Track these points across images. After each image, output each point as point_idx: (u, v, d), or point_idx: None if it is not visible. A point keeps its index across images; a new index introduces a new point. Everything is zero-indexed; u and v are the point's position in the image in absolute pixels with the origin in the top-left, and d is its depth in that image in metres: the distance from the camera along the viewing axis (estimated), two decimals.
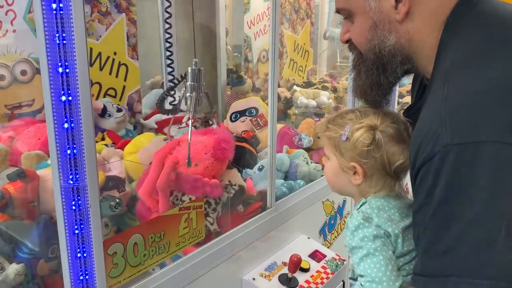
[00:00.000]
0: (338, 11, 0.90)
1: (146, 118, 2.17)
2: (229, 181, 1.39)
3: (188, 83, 1.49)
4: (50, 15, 0.73)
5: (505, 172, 0.63)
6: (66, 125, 0.78)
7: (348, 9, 0.87)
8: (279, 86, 2.95)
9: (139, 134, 2.02)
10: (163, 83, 2.48)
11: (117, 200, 0.87)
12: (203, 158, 1.32)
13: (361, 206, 0.92)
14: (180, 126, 2.13)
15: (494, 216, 0.64)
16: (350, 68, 0.98)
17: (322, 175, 1.70)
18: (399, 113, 0.96)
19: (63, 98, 0.77)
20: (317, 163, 1.73)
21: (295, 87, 2.59)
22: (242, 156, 1.63)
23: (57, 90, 0.76)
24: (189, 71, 1.50)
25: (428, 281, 0.71)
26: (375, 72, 0.87)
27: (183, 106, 1.56)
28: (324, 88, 2.82)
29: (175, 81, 1.56)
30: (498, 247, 0.63)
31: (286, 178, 1.62)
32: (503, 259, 0.63)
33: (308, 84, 3.00)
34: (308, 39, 3.28)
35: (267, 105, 2.14)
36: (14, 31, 1.62)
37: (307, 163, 1.64)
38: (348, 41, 0.92)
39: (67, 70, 0.76)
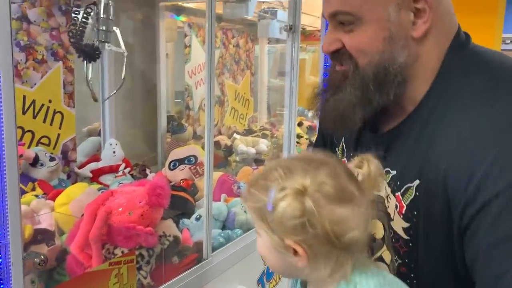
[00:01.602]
0: (334, 14, 0.78)
1: (81, 167, 2.11)
2: (164, 232, 1.37)
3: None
4: None
5: None
6: None
7: (355, 14, 0.75)
8: (220, 134, 2.99)
9: (73, 183, 1.95)
10: (100, 130, 2.44)
11: (42, 257, 0.84)
12: (137, 206, 1.30)
13: None
14: (116, 174, 2.09)
15: None
16: (325, 86, 0.86)
17: None
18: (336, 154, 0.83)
19: None
20: None
21: (235, 134, 2.64)
22: (180, 205, 1.62)
23: None
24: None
25: None
26: (370, 88, 0.77)
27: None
28: (264, 136, 2.90)
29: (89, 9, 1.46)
30: None
31: (223, 227, 1.62)
32: None
33: (249, 132, 3.07)
34: (249, 88, 3.38)
35: None
36: None
37: (245, 211, 1.65)
38: (335, 52, 0.81)
39: None
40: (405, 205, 0.77)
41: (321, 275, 0.69)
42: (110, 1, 1.44)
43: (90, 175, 2.05)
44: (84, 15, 1.44)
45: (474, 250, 0.68)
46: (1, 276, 0.79)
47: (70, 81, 2.02)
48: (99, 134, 2.43)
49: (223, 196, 1.68)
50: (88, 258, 1.25)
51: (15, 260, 0.79)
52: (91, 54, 1.49)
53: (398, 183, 0.79)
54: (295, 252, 0.67)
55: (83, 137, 2.32)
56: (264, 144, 2.55)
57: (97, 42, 1.47)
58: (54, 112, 1.96)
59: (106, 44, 1.48)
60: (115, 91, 1.70)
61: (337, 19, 0.78)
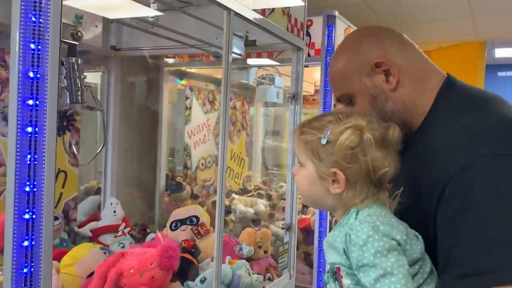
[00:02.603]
0: (338, 99, 1.03)
1: (80, 226, 2.10)
2: None
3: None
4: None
5: None
6: (26, 243, 0.78)
7: (348, 94, 0.99)
8: (216, 194, 3.02)
9: (73, 242, 1.94)
10: (99, 188, 2.45)
11: None
12: (148, 268, 1.31)
13: (356, 215, 0.83)
14: (116, 234, 2.09)
15: None
16: None
17: (264, 287, 1.71)
18: None
19: (27, 216, 0.78)
20: (258, 273, 1.75)
21: (233, 195, 2.68)
22: (184, 267, 1.62)
23: (21, 209, 0.78)
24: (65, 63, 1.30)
25: (476, 280, 0.73)
26: None
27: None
28: (260, 196, 2.93)
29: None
30: None
31: None
32: None
33: (244, 191, 3.11)
34: (244, 148, 3.46)
35: (208, 213, 2.19)
36: None
37: (249, 274, 1.66)
38: None
39: (35, 189, 0.78)
40: (393, 210, 0.91)
41: (354, 201, 0.83)
42: (78, 60, 1.41)
43: (90, 234, 2.05)
44: None
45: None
46: None
47: (76, 141, 2.07)
48: (96, 192, 2.44)
49: (227, 258, 1.69)
50: None
51: None
52: (66, 123, 1.49)
53: (390, 192, 0.94)
54: (334, 181, 0.83)
55: (80, 195, 2.33)
56: (262, 204, 2.58)
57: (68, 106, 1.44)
58: (58, 171, 1.99)
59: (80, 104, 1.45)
60: (96, 154, 1.68)
61: (342, 101, 1.02)
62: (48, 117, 0.79)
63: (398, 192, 0.92)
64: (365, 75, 0.96)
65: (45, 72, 0.78)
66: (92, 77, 2.45)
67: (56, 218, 1.82)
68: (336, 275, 0.87)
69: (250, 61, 2.55)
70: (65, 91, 1.49)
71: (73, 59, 1.42)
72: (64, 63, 1.42)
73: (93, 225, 2.10)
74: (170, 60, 2.66)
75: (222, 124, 1.35)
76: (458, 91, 0.94)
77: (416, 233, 0.84)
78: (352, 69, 0.97)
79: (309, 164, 0.86)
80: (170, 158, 2.90)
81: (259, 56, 2.46)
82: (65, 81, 1.44)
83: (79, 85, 1.43)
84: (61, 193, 2.01)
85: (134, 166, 2.53)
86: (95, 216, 2.22)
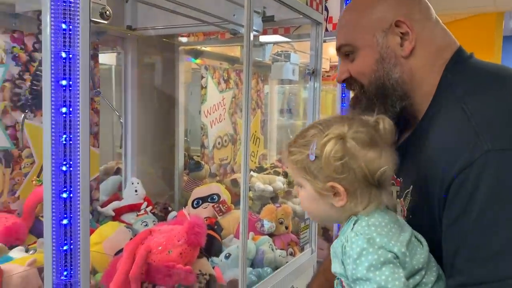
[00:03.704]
0: (339, 48, 0.95)
1: (103, 206, 2.14)
2: (200, 270, 1.39)
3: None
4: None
5: None
6: (65, 221, 0.80)
7: (352, 45, 0.92)
8: (233, 172, 3.04)
9: (96, 221, 1.98)
10: (118, 168, 2.49)
11: None
12: (176, 244, 1.33)
13: (354, 225, 0.80)
14: (138, 213, 2.12)
15: None
16: (350, 105, 1.00)
17: (287, 262, 1.74)
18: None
19: (64, 195, 0.79)
20: (281, 249, 1.77)
21: (251, 172, 2.69)
22: (209, 243, 1.65)
23: (59, 187, 0.79)
24: None
25: None
26: (375, 102, 0.90)
27: None
28: (276, 173, 2.94)
29: None
30: None
31: (252, 265, 1.65)
32: None
33: (260, 169, 3.12)
34: (259, 126, 3.46)
35: (229, 191, 2.21)
36: None
37: (272, 249, 1.68)
38: (345, 80, 0.96)
39: (71, 168, 0.79)
40: (406, 210, 0.88)
41: (356, 209, 0.80)
42: None
43: (113, 213, 2.08)
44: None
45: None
46: None
47: (96, 122, 2.09)
48: (115, 173, 2.47)
49: (251, 234, 1.71)
50: None
51: None
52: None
53: (401, 189, 0.90)
54: (335, 194, 0.80)
55: (101, 175, 2.36)
56: (280, 182, 2.60)
57: None
58: None
59: None
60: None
61: (342, 52, 0.96)
62: (81, 97, 0.80)
63: (408, 190, 0.87)
64: (380, 31, 0.89)
65: (77, 52, 0.79)
66: (107, 58, 2.46)
67: None
68: (341, 284, 0.86)
69: (266, 38, 2.52)
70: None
71: None
72: None
73: (115, 204, 2.13)
74: (185, 39, 2.64)
75: (245, 103, 1.35)
76: (466, 69, 0.87)
77: (422, 239, 0.81)
78: (369, 21, 0.90)
79: (306, 184, 0.83)
80: (185, 138, 2.91)
81: (275, 32, 2.44)
82: None
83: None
84: None
85: (153, 146, 2.55)
86: (116, 195, 2.26)
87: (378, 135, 0.81)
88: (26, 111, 1.73)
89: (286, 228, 1.93)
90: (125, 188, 2.27)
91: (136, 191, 2.18)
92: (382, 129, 0.82)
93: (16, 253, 1.39)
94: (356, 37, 0.92)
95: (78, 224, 0.82)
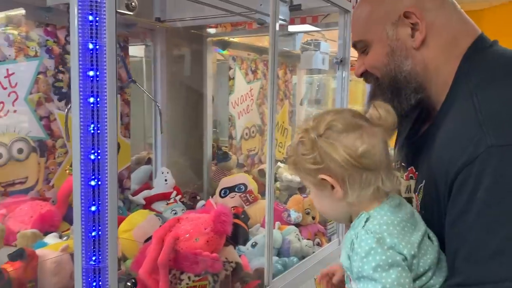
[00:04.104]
0: (354, 44, 0.96)
1: (134, 194, 2.19)
2: (226, 258, 1.41)
3: None
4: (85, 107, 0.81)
5: None
6: (93, 208, 0.82)
7: (365, 40, 0.92)
8: (261, 162, 3.05)
9: (127, 210, 2.03)
10: (149, 158, 2.54)
11: (133, 281, 0.89)
12: (203, 232, 1.35)
13: (365, 223, 0.79)
14: (168, 201, 2.16)
15: None
16: (367, 101, 0.99)
17: (313, 252, 1.74)
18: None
19: (93, 182, 0.82)
20: (308, 239, 1.77)
21: (279, 163, 2.69)
22: (235, 232, 1.67)
23: (87, 176, 0.82)
24: None
25: None
26: (389, 96, 0.89)
27: None
28: None
29: None
30: None
31: (278, 254, 1.66)
32: None
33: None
34: (287, 117, 3.45)
35: (256, 181, 2.22)
36: (15, 111, 1.68)
37: (299, 239, 1.69)
38: (363, 74, 0.96)
39: (99, 157, 0.82)
40: (419, 204, 0.86)
41: (351, 198, 0.79)
42: None
43: (143, 202, 2.13)
44: None
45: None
46: None
47: (127, 113, 2.13)
48: (147, 162, 2.52)
49: (277, 224, 1.72)
50: (156, 283, 1.30)
51: (112, 283, 0.85)
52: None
53: (416, 183, 0.89)
54: (332, 188, 0.80)
55: (132, 165, 2.42)
56: None
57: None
58: None
59: None
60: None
61: (357, 48, 0.96)
62: (109, 87, 0.82)
63: (421, 185, 0.85)
64: (390, 24, 0.87)
65: (103, 43, 0.80)
66: (136, 50, 2.50)
67: None
68: (348, 277, 0.85)
69: (294, 27, 2.50)
70: None
71: None
72: None
73: (146, 193, 2.19)
74: (213, 30, 2.65)
75: (270, 93, 1.35)
76: (484, 59, 0.83)
77: (433, 238, 0.80)
78: (378, 15, 0.89)
79: (307, 183, 0.85)
80: (214, 129, 2.94)
81: (303, 21, 2.41)
82: None
83: None
84: None
85: (182, 136, 2.59)
86: (147, 184, 2.31)
87: (361, 118, 0.81)
88: (64, 102, 1.79)
89: (313, 218, 1.93)
90: (155, 178, 2.32)
91: (166, 180, 2.23)
92: (376, 115, 0.81)
93: (51, 239, 1.45)
94: (368, 32, 0.91)
95: (106, 211, 0.84)
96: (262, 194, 2.42)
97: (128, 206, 2.12)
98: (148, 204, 2.14)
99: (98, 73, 0.80)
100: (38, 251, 1.28)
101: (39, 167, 1.76)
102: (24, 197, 1.71)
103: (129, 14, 0.81)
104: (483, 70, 0.81)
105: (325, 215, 0.92)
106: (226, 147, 2.87)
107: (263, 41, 3.08)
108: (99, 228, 0.83)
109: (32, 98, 1.72)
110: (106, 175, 0.83)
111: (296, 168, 0.84)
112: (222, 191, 2.08)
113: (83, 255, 0.83)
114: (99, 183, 0.82)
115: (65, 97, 1.80)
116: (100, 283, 0.84)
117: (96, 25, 0.79)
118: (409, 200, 0.91)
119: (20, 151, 1.70)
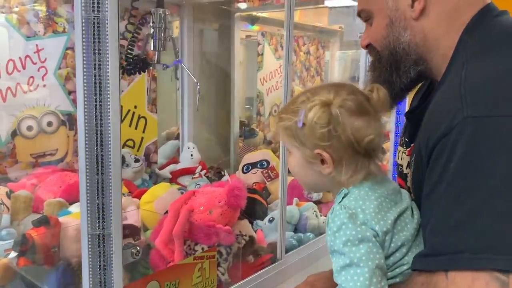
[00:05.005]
0: (359, 13, 0.94)
1: (161, 168, 2.25)
2: (240, 232, 1.44)
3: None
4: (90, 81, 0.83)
5: None
6: (97, 177, 0.86)
7: (367, 10, 0.90)
8: None
9: (154, 183, 2.09)
10: (178, 134, 2.59)
11: (138, 248, 0.93)
12: (217, 205, 1.38)
13: (343, 198, 0.81)
14: (193, 176, 2.21)
15: None
16: (367, 71, 0.99)
17: None
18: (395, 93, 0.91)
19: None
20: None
21: None
22: (253, 207, 1.69)
23: (92, 146, 0.85)
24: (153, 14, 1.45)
25: (433, 260, 0.68)
26: (388, 69, 0.88)
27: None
28: None
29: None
30: None
31: (295, 230, 1.66)
32: None
33: None
34: None
35: (278, 158, 2.22)
36: (44, 85, 1.75)
37: (316, 216, 1.69)
38: (368, 46, 0.94)
39: (102, 127, 0.84)
40: (411, 179, 0.86)
41: (342, 178, 0.79)
42: (165, 11, 1.51)
43: (170, 176, 2.19)
44: (139, 26, 1.53)
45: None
46: (105, 263, 0.89)
47: (154, 89, 2.18)
48: (176, 138, 2.58)
49: (295, 200, 1.73)
50: (171, 253, 1.34)
51: (116, 250, 0.89)
52: (139, 66, 1.56)
53: (410, 158, 0.88)
54: (322, 161, 0.80)
55: (162, 140, 2.48)
56: None
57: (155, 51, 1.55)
58: (139, 117, 2.12)
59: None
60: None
61: (362, 17, 0.94)
62: (111, 61, 0.83)
63: (413, 159, 0.84)
64: None
65: (105, 16, 0.82)
66: None
67: (137, 160, 1.97)
68: None
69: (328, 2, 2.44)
70: (150, 38, 1.57)
71: (160, 10, 1.51)
72: (152, 13, 1.51)
73: (172, 167, 2.24)
74: (241, 5, 2.63)
75: (285, 69, 1.33)
76: (485, 29, 0.79)
77: (417, 213, 0.79)
78: None
79: (295, 150, 0.83)
80: (247, 106, 2.94)
81: None
82: (151, 30, 1.53)
83: (163, 35, 1.52)
84: (142, 138, 2.16)
85: (210, 112, 2.61)
86: (174, 159, 2.37)
87: (369, 104, 0.80)
88: None
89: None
90: (182, 153, 2.37)
91: (191, 155, 2.27)
92: (375, 97, 0.80)
93: (75, 208, 1.52)
94: (370, 2, 0.89)
95: (110, 180, 0.87)
96: (288, 171, 2.43)
97: (155, 179, 2.18)
98: (174, 178, 2.20)
99: (100, 46, 0.82)
100: (61, 219, 1.35)
101: (68, 140, 1.84)
102: (54, 168, 1.79)
103: None
104: (479, 41, 0.77)
105: (300, 181, 0.90)
106: (254, 123, 2.87)
107: (294, 16, 3.03)
108: (103, 197, 0.86)
109: (61, 73, 1.79)
110: (109, 145, 0.86)
111: (289, 134, 0.83)
112: (245, 167, 2.10)
113: (88, 222, 0.87)
114: (102, 153, 0.85)
115: None
116: (105, 249, 0.88)
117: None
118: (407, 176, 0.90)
119: (49, 124, 1.78)
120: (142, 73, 1.59)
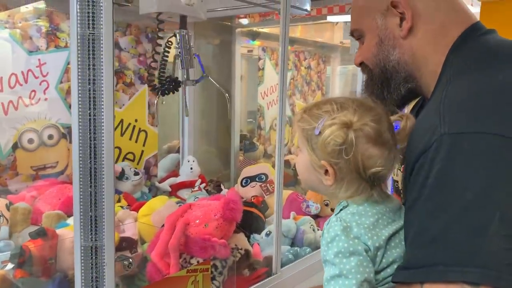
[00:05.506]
0: (352, 33, 0.97)
1: (161, 181, 2.27)
2: (236, 245, 1.44)
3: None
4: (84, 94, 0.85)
5: (501, 163, 0.64)
6: (90, 189, 0.87)
7: (359, 29, 0.93)
8: (290, 153, 3.05)
9: (153, 196, 2.11)
10: (179, 147, 2.61)
11: (130, 260, 0.94)
12: (212, 218, 1.39)
13: (340, 210, 0.83)
14: (193, 189, 2.22)
15: (487, 205, 0.63)
16: (362, 89, 1.01)
17: None
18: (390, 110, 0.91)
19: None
20: None
21: None
22: (250, 220, 1.69)
23: (85, 157, 0.86)
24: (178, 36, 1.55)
25: (410, 273, 0.69)
26: (379, 86, 0.91)
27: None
28: None
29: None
30: (490, 235, 0.62)
31: (292, 244, 1.66)
32: (495, 248, 0.62)
33: None
34: None
35: None
36: (46, 99, 1.78)
37: (313, 230, 1.69)
38: (361, 64, 0.96)
39: (95, 141, 0.86)
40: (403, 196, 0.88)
41: (340, 195, 0.82)
42: (188, 32, 1.60)
43: (169, 189, 2.20)
44: (166, 48, 1.61)
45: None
46: (97, 274, 0.89)
47: (153, 102, 2.20)
48: (178, 151, 2.59)
49: (292, 213, 1.73)
50: (167, 266, 1.35)
51: (108, 261, 0.90)
52: (173, 86, 1.64)
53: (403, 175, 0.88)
54: (326, 172, 0.82)
55: (163, 153, 2.50)
56: None
57: (184, 71, 1.64)
58: (139, 131, 2.14)
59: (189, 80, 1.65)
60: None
61: (354, 36, 0.96)
62: (105, 75, 0.86)
63: (405, 176, 0.84)
64: (379, 13, 0.88)
65: (100, 33, 0.84)
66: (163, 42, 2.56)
67: (136, 173, 1.98)
68: None
69: (331, 18, 2.46)
70: (177, 59, 1.65)
71: (184, 31, 1.60)
72: (177, 34, 1.59)
73: (171, 180, 2.25)
74: (242, 21, 2.67)
75: (281, 83, 1.35)
76: (471, 48, 0.81)
77: None
78: (370, 4, 0.90)
79: (305, 152, 0.85)
80: (249, 120, 2.96)
81: (342, 10, 2.37)
82: (178, 50, 1.61)
83: (189, 54, 1.60)
84: (142, 151, 2.18)
85: (210, 126, 2.63)
86: (174, 172, 2.38)
87: (391, 134, 0.81)
88: None
89: (332, 210, 1.92)
90: (182, 166, 2.38)
91: (191, 168, 2.28)
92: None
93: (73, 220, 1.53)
94: (361, 22, 0.92)
95: (103, 192, 0.88)
96: (288, 185, 2.43)
97: (155, 192, 2.20)
98: (174, 191, 2.21)
99: (95, 62, 0.85)
100: (58, 231, 1.36)
101: (68, 153, 1.86)
102: (54, 181, 1.81)
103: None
104: (462, 60, 0.80)
105: (302, 180, 0.91)
106: (255, 137, 2.89)
107: (295, 31, 3.07)
108: (96, 208, 0.88)
109: (62, 87, 1.82)
110: (103, 157, 0.87)
111: (304, 135, 0.84)
112: (244, 180, 2.11)
113: (81, 234, 0.88)
114: (95, 166, 0.87)
115: None
116: (97, 260, 0.89)
117: (92, 16, 0.83)
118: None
119: (50, 137, 1.80)
120: (176, 92, 1.69)
